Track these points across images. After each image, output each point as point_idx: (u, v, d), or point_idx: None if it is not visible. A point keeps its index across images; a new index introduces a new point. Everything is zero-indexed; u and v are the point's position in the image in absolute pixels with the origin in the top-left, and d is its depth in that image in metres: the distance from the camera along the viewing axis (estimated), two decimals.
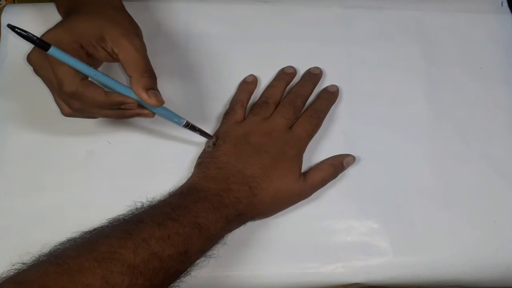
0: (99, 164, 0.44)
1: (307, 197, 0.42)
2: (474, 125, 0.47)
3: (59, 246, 0.34)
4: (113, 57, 0.38)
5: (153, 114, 0.38)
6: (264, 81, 0.48)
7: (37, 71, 0.38)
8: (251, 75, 0.47)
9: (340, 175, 0.44)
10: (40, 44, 0.32)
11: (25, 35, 0.31)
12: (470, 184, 0.44)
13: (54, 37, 0.35)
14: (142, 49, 0.38)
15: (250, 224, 0.41)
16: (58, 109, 0.45)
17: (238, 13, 0.50)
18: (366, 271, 0.41)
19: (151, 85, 0.36)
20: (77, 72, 0.35)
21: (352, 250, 0.42)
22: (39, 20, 0.48)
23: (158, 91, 0.37)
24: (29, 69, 0.38)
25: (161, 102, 0.36)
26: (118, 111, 0.38)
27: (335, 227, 0.43)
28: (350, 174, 0.44)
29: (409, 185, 0.44)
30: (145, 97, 0.36)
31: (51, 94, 0.39)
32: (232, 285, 0.41)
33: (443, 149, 0.46)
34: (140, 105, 0.37)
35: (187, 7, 0.49)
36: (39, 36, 0.33)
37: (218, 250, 0.39)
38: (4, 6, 0.51)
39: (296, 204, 0.42)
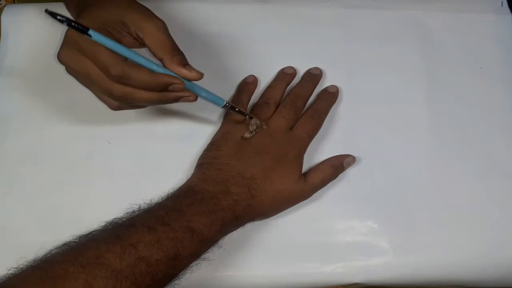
0: (99, 164, 0.44)
1: (307, 198, 0.42)
2: (474, 125, 0.47)
3: (52, 251, 0.34)
4: (139, 42, 0.37)
5: (195, 98, 0.38)
6: (264, 81, 0.48)
7: (71, 68, 0.36)
8: (251, 75, 0.47)
9: (340, 175, 0.44)
10: (79, 28, 0.31)
11: (64, 20, 0.30)
12: (470, 184, 0.44)
13: (89, 23, 0.34)
14: (165, 29, 0.37)
15: (250, 225, 0.41)
16: (58, 109, 0.45)
17: (238, 13, 0.50)
18: (366, 271, 0.41)
19: (185, 61, 0.36)
20: (119, 54, 0.34)
21: (352, 250, 0.42)
22: (39, 20, 0.48)
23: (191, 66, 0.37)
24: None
25: (201, 74, 0.36)
26: (162, 95, 0.36)
27: (335, 227, 0.43)
28: (350, 174, 0.44)
29: (409, 185, 0.44)
30: (185, 72, 0.36)
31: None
32: (232, 285, 0.41)
33: (443, 149, 0.46)
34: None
35: (187, 7, 0.49)
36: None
37: (217, 252, 0.39)
38: (4, 6, 0.51)
39: (296, 205, 0.42)
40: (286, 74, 0.47)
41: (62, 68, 0.46)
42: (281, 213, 0.42)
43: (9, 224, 0.42)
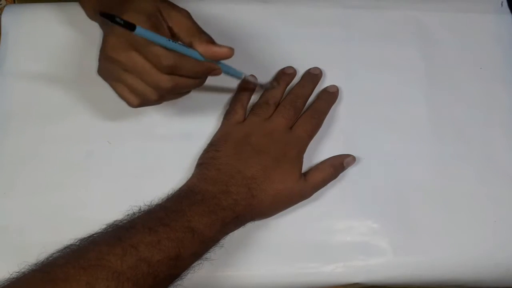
0: (99, 164, 0.44)
1: (307, 198, 0.42)
2: (474, 125, 0.47)
3: (53, 254, 0.34)
4: (170, 32, 0.38)
5: (221, 71, 0.39)
6: (264, 81, 0.47)
7: (117, 61, 0.36)
8: (251, 75, 0.47)
9: (340, 175, 0.44)
10: (126, 25, 0.32)
11: (111, 18, 0.32)
12: (470, 184, 0.44)
13: (131, 20, 0.34)
14: (189, 16, 0.39)
15: (250, 225, 0.41)
16: (58, 109, 0.45)
17: (238, 13, 0.50)
18: (366, 271, 0.41)
19: (213, 40, 0.38)
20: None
21: (352, 250, 0.42)
22: (39, 20, 0.48)
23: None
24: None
25: (231, 50, 0.38)
26: (202, 80, 0.40)
27: (335, 227, 0.43)
28: (350, 174, 0.44)
29: (409, 185, 0.44)
30: (216, 48, 0.37)
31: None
32: (233, 285, 0.41)
33: (443, 149, 0.46)
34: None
35: (187, 7, 0.49)
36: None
37: (217, 252, 0.39)
38: (4, 6, 0.51)
39: (296, 204, 0.42)
40: (286, 74, 0.47)
41: (62, 68, 0.47)
42: (281, 213, 0.42)
43: (10, 224, 0.42)
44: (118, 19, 0.31)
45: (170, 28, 0.38)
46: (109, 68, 0.37)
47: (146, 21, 0.36)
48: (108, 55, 0.36)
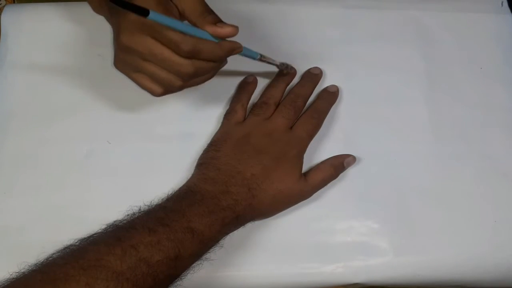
0: (99, 164, 0.44)
1: (307, 198, 0.42)
2: (474, 125, 0.47)
3: (53, 255, 0.34)
4: (181, 13, 0.37)
5: (242, 48, 0.38)
6: (264, 81, 0.48)
7: (135, 50, 0.35)
8: (251, 75, 0.47)
9: (340, 175, 0.44)
10: (138, 11, 0.31)
11: (122, 4, 0.31)
12: (470, 184, 0.44)
13: (141, 5, 0.32)
14: None
15: (250, 225, 0.41)
16: (58, 109, 0.45)
17: (238, 13, 0.50)
18: (366, 271, 0.41)
19: (217, 19, 0.36)
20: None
21: (352, 250, 0.42)
22: (39, 20, 0.48)
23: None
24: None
25: (235, 28, 0.36)
26: (221, 63, 0.39)
27: (335, 227, 0.43)
28: (350, 174, 0.44)
29: (409, 185, 0.44)
30: (219, 30, 0.36)
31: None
32: (233, 285, 0.41)
33: (443, 149, 0.46)
34: None
35: None
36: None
37: (217, 252, 0.39)
38: (4, 6, 0.51)
39: (296, 204, 0.42)
40: (285, 74, 0.47)
41: (62, 68, 0.47)
42: (281, 213, 0.42)
43: (9, 224, 0.42)
44: (129, 5, 0.30)
45: (180, 12, 0.37)
46: (127, 59, 0.37)
47: (157, 5, 0.35)
48: (124, 45, 0.36)
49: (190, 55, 0.35)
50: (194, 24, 0.36)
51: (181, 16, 0.37)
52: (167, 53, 0.35)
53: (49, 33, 0.48)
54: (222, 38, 0.37)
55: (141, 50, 0.35)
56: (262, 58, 0.43)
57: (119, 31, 0.36)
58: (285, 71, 0.46)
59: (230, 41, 0.37)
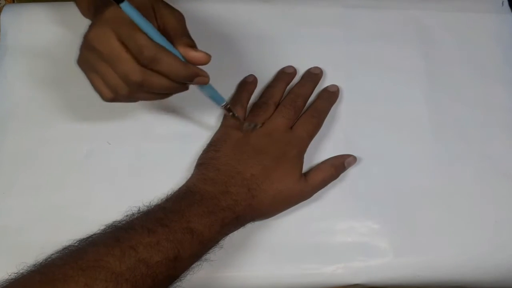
0: (99, 165, 0.44)
1: (308, 198, 0.42)
2: (474, 125, 0.47)
3: (52, 255, 0.34)
4: (160, 28, 0.37)
5: (208, 80, 0.37)
6: (264, 81, 0.47)
7: (94, 48, 0.35)
8: (251, 75, 0.47)
9: (341, 175, 0.44)
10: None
11: None
12: (470, 184, 0.44)
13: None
14: (181, 18, 0.37)
15: (250, 225, 0.41)
16: (58, 109, 0.45)
17: (238, 13, 0.50)
18: (366, 272, 0.41)
19: (192, 44, 0.36)
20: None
21: (353, 251, 0.42)
22: (39, 20, 0.48)
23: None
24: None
25: (208, 57, 0.36)
26: (181, 85, 0.37)
27: (336, 228, 0.43)
28: (350, 175, 0.44)
29: (410, 185, 0.44)
30: (193, 53, 0.35)
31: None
32: (233, 286, 0.41)
33: (443, 149, 0.46)
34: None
35: (187, 7, 0.49)
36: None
37: (217, 252, 0.39)
38: (3, 6, 0.51)
39: (297, 205, 0.42)
40: (285, 74, 0.47)
41: (61, 68, 0.47)
42: (281, 214, 0.42)
43: (8, 224, 0.42)
44: None
45: (159, 27, 0.36)
46: (88, 57, 0.36)
47: (138, 8, 0.34)
48: (88, 42, 0.35)
49: (148, 62, 0.34)
50: (171, 42, 0.36)
51: (160, 32, 0.36)
52: (124, 56, 0.34)
53: (49, 33, 0.48)
54: (191, 63, 0.36)
55: (101, 50, 0.34)
56: (226, 107, 0.41)
57: (89, 31, 0.35)
58: (247, 129, 0.43)
59: (199, 67, 0.36)
